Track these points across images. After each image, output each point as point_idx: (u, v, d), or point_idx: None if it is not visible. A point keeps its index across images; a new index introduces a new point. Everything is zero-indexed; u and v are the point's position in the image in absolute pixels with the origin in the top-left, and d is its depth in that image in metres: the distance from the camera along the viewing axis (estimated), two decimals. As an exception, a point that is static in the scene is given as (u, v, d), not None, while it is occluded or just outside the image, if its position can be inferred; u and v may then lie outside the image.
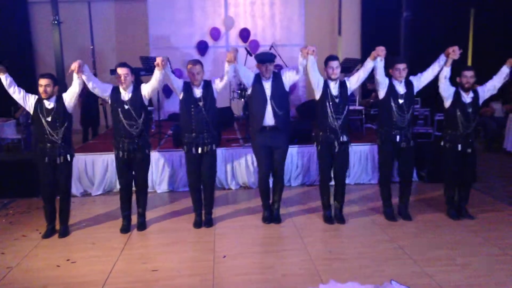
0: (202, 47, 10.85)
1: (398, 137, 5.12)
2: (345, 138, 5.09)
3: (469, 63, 11.15)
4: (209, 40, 10.95)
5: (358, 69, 5.30)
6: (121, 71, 4.85)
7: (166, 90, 10.64)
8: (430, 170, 6.87)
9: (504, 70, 5.06)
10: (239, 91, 8.59)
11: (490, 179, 7.10)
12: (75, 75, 4.74)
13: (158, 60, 4.73)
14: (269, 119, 5.03)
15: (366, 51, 11.22)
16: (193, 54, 10.69)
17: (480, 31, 11.29)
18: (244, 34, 10.88)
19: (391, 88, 5.09)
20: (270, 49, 8.84)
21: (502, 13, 10.76)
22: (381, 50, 4.87)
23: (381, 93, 5.15)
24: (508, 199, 6.03)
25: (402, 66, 5.04)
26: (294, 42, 10.98)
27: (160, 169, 6.68)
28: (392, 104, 5.07)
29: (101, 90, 4.92)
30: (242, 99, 8.49)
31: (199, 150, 5.02)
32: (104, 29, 12.21)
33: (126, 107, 4.89)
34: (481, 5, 11.10)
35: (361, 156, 6.90)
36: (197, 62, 4.99)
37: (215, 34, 10.89)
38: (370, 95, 10.51)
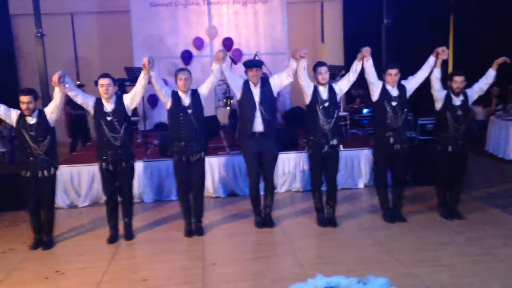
0: (187, 57, 10.88)
1: (391, 139, 5.20)
2: (335, 142, 5.18)
3: (450, 68, 11.34)
4: (193, 50, 10.99)
5: (342, 75, 5.42)
6: (103, 81, 4.85)
7: (151, 100, 10.64)
8: (414, 174, 6.96)
9: (491, 72, 5.21)
10: (224, 100, 8.63)
11: (472, 180, 7.22)
12: (56, 88, 4.74)
13: (145, 60, 4.73)
14: (258, 125, 5.11)
15: (349, 58, 11.34)
16: (178, 64, 10.67)
17: (459, 37, 11.51)
18: (227, 43, 10.94)
19: (384, 91, 5.18)
20: (254, 57, 8.92)
21: (481, 19, 10.99)
22: (366, 51, 5.00)
23: (374, 96, 5.24)
24: (490, 200, 6.15)
25: (394, 71, 5.14)
26: (277, 50, 11.07)
27: (147, 179, 6.68)
28: (386, 106, 5.16)
29: (83, 100, 4.91)
30: (228, 108, 8.53)
31: (190, 159, 5.05)
32: (87, 40, 12.16)
33: (109, 118, 4.88)
34: (460, 11, 11.33)
35: (346, 162, 6.97)
36: (184, 69, 5.13)
37: (199, 43, 10.93)
38: (354, 101, 10.64)
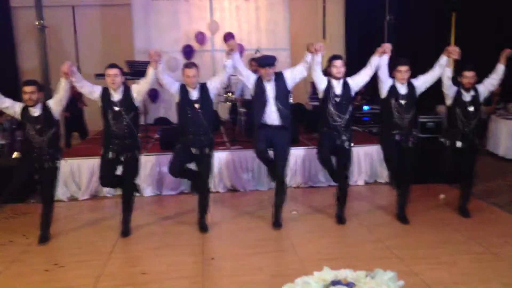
0: (188, 51, 10.85)
1: (398, 136, 5.16)
2: (347, 137, 5.14)
3: (452, 65, 11.31)
4: (195, 44, 10.95)
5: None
6: (110, 72, 4.82)
7: (152, 95, 10.60)
8: (414, 172, 6.93)
9: (500, 67, 5.18)
10: (224, 95, 8.61)
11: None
12: (62, 80, 4.71)
13: (152, 52, 4.72)
14: (272, 119, 5.06)
15: (350, 54, 11.32)
16: (179, 58, 10.67)
17: (461, 34, 11.49)
18: (229, 38, 10.89)
19: (393, 89, 5.13)
20: (255, 53, 8.90)
21: (483, 17, 10.97)
22: (387, 47, 4.95)
23: (383, 93, 5.19)
24: (490, 199, 6.14)
25: (404, 68, 5.07)
26: (279, 46, 11.02)
27: (147, 172, 6.66)
28: (393, 104, 5.11)
29: (90, 90, 4.90)
30: (228, 103, 8.51)
31: (198, 151, 5.00)
32: (88, 33, 12.12)
33: (117, 108, 4.86)
34: (462, 9, 11.31)
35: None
36: (192, 65, 5.02)
37: (200, 38, 10.89)
38: (355, 97, 10.59)
